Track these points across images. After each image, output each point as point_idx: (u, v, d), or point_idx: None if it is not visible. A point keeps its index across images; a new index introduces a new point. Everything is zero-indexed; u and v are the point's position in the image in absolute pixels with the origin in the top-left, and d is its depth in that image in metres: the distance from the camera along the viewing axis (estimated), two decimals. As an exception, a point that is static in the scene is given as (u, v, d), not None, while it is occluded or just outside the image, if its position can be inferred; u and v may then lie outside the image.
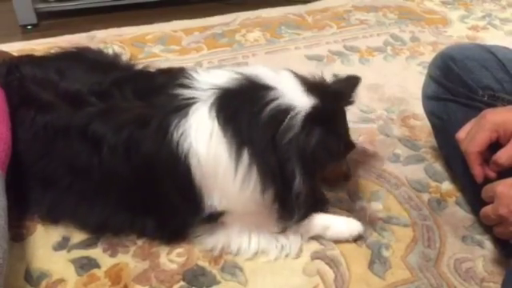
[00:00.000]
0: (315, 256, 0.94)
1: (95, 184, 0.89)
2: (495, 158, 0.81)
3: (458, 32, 1.83)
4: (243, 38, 1.74)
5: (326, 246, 0.96)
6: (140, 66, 1.08)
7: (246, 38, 1.73)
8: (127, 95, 0.89)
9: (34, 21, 1.77)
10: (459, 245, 0.97)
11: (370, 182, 1.12)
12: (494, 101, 0.96)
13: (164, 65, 1.48)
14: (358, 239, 0.97)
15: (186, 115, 0.82)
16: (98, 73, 0.96)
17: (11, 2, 1.71)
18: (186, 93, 0.85)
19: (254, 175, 0.81)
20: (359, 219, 0.99)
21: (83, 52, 1.11)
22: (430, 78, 1.11)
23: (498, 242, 0.94)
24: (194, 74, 0.88)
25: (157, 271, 0.90)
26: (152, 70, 1.05)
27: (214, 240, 0.93)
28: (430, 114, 1.13)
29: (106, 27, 1.75)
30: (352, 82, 0.97)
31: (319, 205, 0.97)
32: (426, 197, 1.08)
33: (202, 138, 0.81)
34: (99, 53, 1.15)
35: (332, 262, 0.93)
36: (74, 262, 0.92)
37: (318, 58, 1.61)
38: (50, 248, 0.94)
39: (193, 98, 0.84)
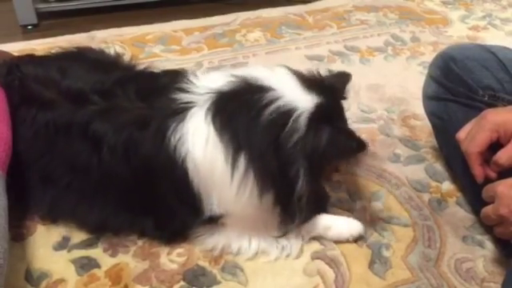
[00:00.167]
0: (316, 256, 0.94)
1: (95, 183, 0.89)
2: (495, 158, 0.81)
3: (459, 32, 1.83)
4: (244, 38, 1.74)
5: (326, 246, 0.96)
6: (141, 66, 1.08)
7: (247, 38, 1.73)
8: (130, 95, 0.89)
9: (35, 21, 1.77)
10: (460, 245, 0.97)
11: (371, 182, 1.12)
12: (495, 101, 0.96)
13: (164, 65, 1.49)
14: (358, 239, 0.97)
15: (183, 120, 0.82)
16: (99, 72, 0.96)
17: (11, 2, 1.71)
18: (184, 97, 0.84)
19: (251, 180, 0.80)
20: (360, 219, 0.99)
21: (84, 52, 1.11)
22: (431, 78, 1.11)
23: (499, 242, 0.94)
24: (192, 78, 0.88)
25: (157, 271, 0.90)
26: (154, 70, 1.05)
27: (215, 240, 0.93)
28: (431, 114, 1.13)
29: (106, 27, 1.75)
30: (343, 77, 0.97)
31: (321, 202, 0.96)
32: (426, 197, 1.08)
33: (199, 142, 0.81)
34: (100, 53, 1.15)
35: (332, 262, 0.93)
36: (74, 261, 0.92)
37: (318, 58, 1.60)
38: (50, 248, 0.94)
39: (190, 102, 0.84)
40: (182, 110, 0.83)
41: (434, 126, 1.14)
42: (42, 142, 0.90)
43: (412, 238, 0.98)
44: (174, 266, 0.91)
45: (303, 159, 0.80)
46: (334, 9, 1.98)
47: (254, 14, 1.91)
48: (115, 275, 0.89)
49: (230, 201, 0.84)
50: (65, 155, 0.89)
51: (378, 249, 0.96)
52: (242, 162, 0.79)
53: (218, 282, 0.89)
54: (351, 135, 0.87)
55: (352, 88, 1.33)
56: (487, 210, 0.81)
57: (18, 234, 0.95)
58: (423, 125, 1.28)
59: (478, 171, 0.85)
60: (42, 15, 1.79)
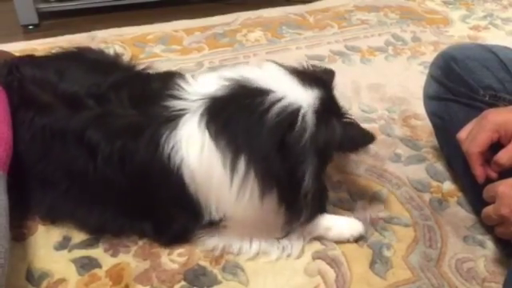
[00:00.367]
0: (316, 256, 0.94)
1: (92, 188, 0.89)
2: (496, 158, 0.81)
3: (460, 32, 1.83)
4: (244, 37, 1.74)
5: (327, 246, 0.96)
6: (141, 67, 1.08)
7: (247, 38, 1.73)
8: (123, 100, 0.88)
9: (36, 21, 1.77)
10: (461, 245, 0.97)
11: (372, 181, 1.12)
12: (496, 101, 0.96)
13: (165, 65, 1.49)
14: (359, 239, 0.97)
15: (175, 128, 0.82)
16: (97, 74, 0.96)
17: (12, 2, 1.71)
18: (176, 104, 0.84)
19: (252, 182, 0.80)
20: (360, 219, 0.99)
21: (84, 52, 1.11)
22: (432, 77, 1.11)
23: (500, 242, 0.94)
24: (183, 84, 0.87)
25: (158, 271, 0.90)
26: (150, 71, 1.05)
27: (215, 241, 0.93)
28: (432, 113, 1.12)
29: (106, 27, 1.75)
30: (329, 74, 0.97)
31: (323, 197, 0.96)
32: (427, 197, 1.08)
33: (194, 150, 0.81)
34: (100, 53, 1.15)
35: (333, 262, 0.93)
36: (75, 261, 0.92)
37: (319, 58, 1.60)
38: (51, 248, 0.94)
39: (182, 109, 0.83)
40: (174, 118, 0.82)
41: (435, 126, 1.14)
42: (40, 145, 0.90)
43: (413, 237, 0.98)
44: (175, 266, 0.91)
45: (314, 155, 0.80)
46: (334, 8, 1.98)
47: (255, 14, 1.91)
48: (116, 275, 0.89)
49: (230, 205, 0.83)
50: (62, 160, 0.89)
51: (378, 249, 0.96)
52: (241, 165, 0.78)
53: (219, 282, 0.89)
54: (359, 126, 0.88)
55: (352, 88, 1.34)
56: (488, 210, 0.81)
57: (19, 234, 0.95)
58: (424, 125, 1.27)
59: (478, 171, 0.85)
60: (42, 15, 1.79)
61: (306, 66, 0.93)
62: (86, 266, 0.91)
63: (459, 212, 1.05)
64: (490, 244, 0.97)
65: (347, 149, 0.87)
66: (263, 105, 0.79)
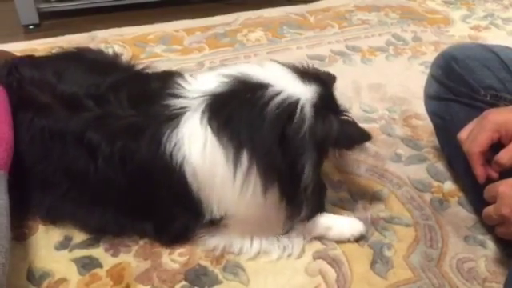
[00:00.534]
0: (317, 256, 0.94)
1: (93, 189, 0.89)
2: (497, 158, 0.81)
3: (460, 32, 1.83)
4: (245, 37, 1.74)
5: (327, 245, 0.96)
6: (140, 66, 1.08)
7: (248, 38, 1.73)
8: (122, 101, 0.88)
9: (36, 21, 1.77)
10: (461, 245, 0.97)
11: (372, 181, 1.12)
12: (497, 101, 0.96)
13: (165, 65, 1.49)
14: (359, 239, 0.97)
15: (177, 126, 0.82)
16: (96, 74, 0.96)
17: (13, 2, 1.72)
18: (177, 102, 0.84)
19: (255, 177, 0.80)
20: (361, 219, 0.99)
21: (83, 52, 1.11)
22: (432, 77, 1.11)
23: (501, 241, 0.94)
24: (183, 83, 0.87)
25: (159, 271, 0.90)
26: (151, 70, 1.05)
27: (216, 240, 0.93)
28: (432, 113, 1.12)
29: (107, 27, 1.75)
30: (330, 76, 0.98)
31: (322, 192, 0.96)
32: (428, 197, 1.08)
33: (196, 147, 0.81)
34: (99, 53, 1.15)
35: (334, 262, 0.93)
36: (76, 261, 0.92)
37: (319, 58, 1.60)
38: (52, 248, 0.94)
39: (183, 107, 0.83)
40: (175, 116, 0.83)
41: (436, 126, 1.14)
42: (39, 146, 0.90)
43: (414, 237, 0.98)
44: (176, 266, 0.91)
45: (312, 148, 0.80)
46: (335, 8, 1.98)
47: (256, 14, 1.91)
48: (117, 275, 0.89)
49: (233, 202, 0.83)
50: (61, 161, 0.89)
51: (379, 248, 0.96)
52: (244, 159, 0.79)
53: (220, 282, 0.89)
54: (356, 124, 0.89)
55: (353, 88, 1.34)
56: (489, 209, 0.81)
57: (20, 234, 0.95)
58: (425, 124, 1.27)
59: (479, 171, 0.85)
60: (43, 15, 1.79)
61: (307, 66, 0.93)
62: (87, 265, 0.91)
63: (460, 212, 1.05)
64: (490, 244, 0.97)
65: (343, 145, 0.87)
66: (263, 98, 0.80)
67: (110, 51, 1.29)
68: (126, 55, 1.36)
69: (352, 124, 0.89)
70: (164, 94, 0.86)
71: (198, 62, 1.56)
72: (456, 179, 1.12)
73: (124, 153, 0.84)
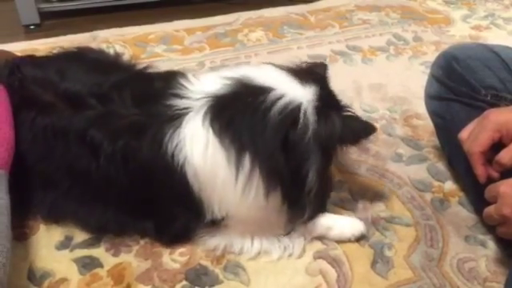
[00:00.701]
0: (318, 256, 0.94)
1: (94, 187, 0.89)
2: (498, 158, 0.81)
3: (461, 31, 1.83)
4: (245, 37, 1.74)
5: (328, 245, 0.96)
6: (141, 66, 1.08)
7: (249, 38, 1.73)
8: (126, 100, 0.88)
9: (37, 21, 1.77)
10: (462, 244, 0.97)
11: (373, 181, 1.12)
12: (497, 100, 0.95)
13: (166, 64, 1.49)
14: (360, 239, 0.97)
15: (179, 126, 0.82)
16: (98, 73, 0.96)
17: (14, 2, 1.72)
18: (179, 103, 0.84)
19: (257, 180, 0.80)
20: (362, 219, 0.99)
21: (84, 52, 1.11)
22: (433, 77, 1.11)
23: (501, 241, 0.94)
24: (186, 83, 0.87)
25: (159, 270, 0.90)
26: (152, 70, 1.05)
27: (217, 240, 0.93)
28: (433, 113, 1.12)
29: (108, 27, 1.75)
30: (321, 67, 0.98)
31: (327, 193, 0.96)
32: (428, 196, 1.08)
33: (197, 148, 0.81)
34: (100, 53, 1.15)
35: (334, 262, 0.93)
36: (76, 261, 0.92)
37: (320, 58, 1.60)
38: (52, 247, 0.94)
39: (185, 108, 0.83)
40: (177, 116, 0.83)
41: (437, 126, 1.14)
42: (41, 145, 0.90)
43: (414, 237, 0.98)
44: (177, 266, 0.91)
45: (317, 151, 0.81)
46: (335, 8, 1.98)
47: (256, 14, 1.91)
48: (118, 274, 0.90)
49: (234, 203, 0.83)
50: (63, 159, 0.89)
51: (380, 248, 0.96)
52: (246, 162, 0.79)
53: (220, 282, 0.89)
54: (359, 118, 0.90)
55: (354, 88, 1.34)
56: (490, 209, 0.80)
57: (21, 234, 0.95)
58: (425, 124, 1.27)
59: (480, 171, 0.85)
60: (44, 15, 1.80)
61: (299, 63, 0.94)
62: (88, 265, 0.91)
63: (461, 212, 1.05)
64: (491, 244, 0.97)
65: (349, 141, 0.87)
66: (265, 103, 0.80)
67: (111, 51, 1.29)
68: (126, 55, 1.36)
69: (354, 118, 0.89)
70: (167, 94, 0.86)
71: (198, 62, 1.56)
72: (457, 179, 1.12)
73: (126, 152, 0.84)
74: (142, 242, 0.95)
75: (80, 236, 0.96)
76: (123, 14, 1.89)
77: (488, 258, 0.94)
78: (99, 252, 0.93)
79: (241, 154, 0.79)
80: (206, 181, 0.82)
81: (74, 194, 0.91)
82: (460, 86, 1.03)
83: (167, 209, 0.89)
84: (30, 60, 1.08)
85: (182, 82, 0.88)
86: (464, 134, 0.88)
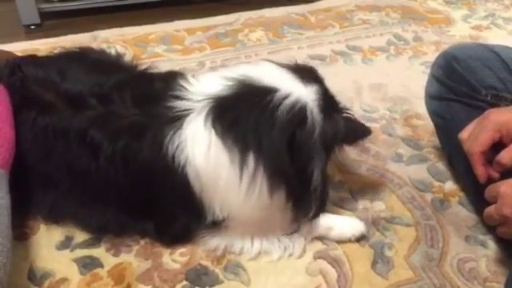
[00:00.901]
0: (318, 256, 0.94)
1: (94, 188, 0.89)
2: (498, 158, 0.81)
3: (461, 31, 1.83)
4: (246, 37, 1.74)
5: (328, 245, 0.96)
6: (142, 67, 1.08)
7: (249, 38, 1.74)
8: (126, 100, 0.88)
9: (38, 21, 1.77)
10: (462, 245, 0.97)
11: (373, 181, 1.12)
12: (498, 100, 0.95)
13: (167, 65, 1.49)
14: (360, 239, 0.97)
15: (180, 127, 0.82)
16: (99, 73, 0.96)
17: (15, 2, 1.72)
18: (180, 104, 0.84)
19: (261, 179, 0.80)
20: (362, 219, 0.99)
21: (85, 52, 1.11)
22: (433, 77, 1.11)
23: (501, 241, 0.94)
24: (186, 85, 0.87)
25: (160, 270, 0.90)
26: (153, 70, 1.05)
27: (217, 240, 0.93)
28: (433, 113, 1.12)
29: (108, 27, 1.75)
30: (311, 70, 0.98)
31: (326, 189, 0.96)
32: (428, 196, 1.08)
33: (199, 149, 0.80)
34: (102, 53, 1.15)
35: (335, 262, 0.93)
36: (77, 261, 0.92)
37: (320, 58, 1.60)
38: (53, 247, 0.94)
39: (186, 109, 0.83)
40: (178, 118, 0.83)
41: (437, 126, 1.14)
42: (42, 145, 0.90)
43: (414, 237, 0.98)
44: (177, 266, 0.91)
45: (322, 150, 0.81)
46: (336, 8, 1.99)
47: (257, 14, 1.91)
48: (118, 274, 0.90)
49: (238, 204, 0.83)
50: (64, 159, 0.89)
51: (380, 248, 0.96)
52: (250, 162, 0.79)
53: (221, 282, 0.89)
54: (356, 120, 0.92)
55: (354, 88, 1.34)
56: (490, 209, 0.80)
57: (21, 234, 0.96)
58: (426, 124, 1.27)
59: (480, 171, 0.85)
60: (44, 15, 1.80)
61: (296, 62, 0.94)
62: (88, 265, 0.91)
63: (461, 212, 1.05)
64: (491, 244, 0.97)
65: (348, 142, 0.89)
66: (272, 102, 0.80)
67: (112, 51, 1.29)
68: (127, 55, 1.36)
69: (353, 120, 0.91)
70: (167, 95, 0.86)
71: (198, 62, 1.57)
72: (457, 179, 1.12)
73: (126, 152, 0.84)
74: (142, 242, 0.95)
75: (80, 236, 0.96)
76: (124, 14, 1.89)
77: (488, 258, 0.94)
78: (99, 252, 0.94)
79: (245, 154, 0.79)
80: (208, 182, 0.82)
81: (74, 194, 0.91)
82: (460, 85, 1.03)
83: (167, 210, 0.89)
84: (32, 60, 1.08)
85: (182, 83, 0.88)
86: (464, 134, 0.88)
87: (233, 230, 0.92)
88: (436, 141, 1.19)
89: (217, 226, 0.89)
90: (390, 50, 1.68)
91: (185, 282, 0.89)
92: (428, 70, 1.16)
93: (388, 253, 0.95)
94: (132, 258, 0.93)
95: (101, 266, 0.91)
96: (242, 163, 0.79)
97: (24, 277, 0.88)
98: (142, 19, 1.82)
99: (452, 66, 1.05)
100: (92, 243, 0.95)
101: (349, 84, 1.45)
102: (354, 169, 1.15)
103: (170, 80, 0.90)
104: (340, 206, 1.05)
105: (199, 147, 0.81)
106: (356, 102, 1.38)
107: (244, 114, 0.80)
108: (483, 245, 0.97)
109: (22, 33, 1.75)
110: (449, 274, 0.91)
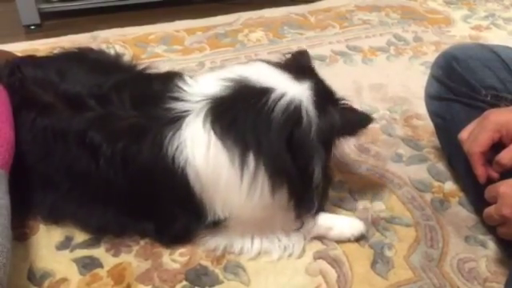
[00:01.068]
0: (318, 256, 0.94)
1: (94, 189, 0.89)
2: (498, 158, 0.81)
3: (461, 32, 1.82)
4: (246, 37, 1.74)
5: (328, 245, 0.96)
6: (142, 67, 1.08)
7: (249, 38, 1.74)
8: (125, 101, 0.88)
9: (38, 21, 1.77)
10: (462, 245, 0.97)
11: (373, 181, 1.12)
12: (497, 101, 0.95)
13: (167, 65, 1.49)
14: (360, 239, 0.97)
15: (179, 129, 0.82)
16: (98, 74, 0.96)
17: (14, 2, 1.72)
18: (178, 106, 0.84)
19: (262, 179, 0.80)
20: (362, 219, 0.99)
21: (85, 52, 1.11)
22: (433, 77, 1.11)
23: (501, 242, 0.94)
24: (184, 86, 0.87)
25: (159, 271, 0.90)
26: (151, 71, 1.05)
27: (217, 240, 0.93)
28: (433, 113, 1.12)
29: (108, 27, 1.75)
30: (305, 56, 0.98)
31: (329, 184, 0.96)
32: (428, 197, 1.08)
33: (199, 150, 0.81)
34: (101, 53, 1.15)
35: (335, 262, 0.93)
36: (76, 261, 0.92)
37: (320, 58, 1.60)
38: (53, 248, 0.94)
39: (185, 110, 0.83)
40: (176, 119, 0.83)
41: (437, 126, 1.14)
42: (41, 146, 0.90)
43: (414, 237, 0.98)
44: (177, 266, 0.91)
45: (320, 146, 0.81)
46: (336, 9, 1.98)
47: (257, 14, 1.91)
48: (118, 275, 0.90)
49: (239, 203, 0.83)
50: (63, 160, 0.89)
51: (380, 249, 0.96)
52: (251, 162, 0.79)
53: (221, 282, 0.89)
54: (355, 109, 0.91)
55: (354, 88, 1.34)
56: (490, 210, 0.80)
57: (21, 234, 0.96)
58: (425, 125, 1.27)
59: (480, 171, 0.85)
60: (44, 15, 1.80)
61: (287, 59, 0.94)
62: (88, 265, 0.91)
63: (461, 212, 1.05)
64: (491, 244, 0.97)
65: (347, 133, 0.89)
66: (268, 103, 0.80)
67: (112, 51, 1.29)
68: (127, 55, 1.36)
69: (351, 110, 0.90)
70: (165, 96, 0.86)
71: (198, 62, 1.57)
72: (457, 179, 1.12)
73: (125, 154, 0.84)
74: (142, 242, 0.95)
75: (80, 236, 0.96)
76: (124, 15, 1.89)
77: (488, 258, 0.94)
78: (99, 252, 0.94)
79: (245, 153, 0.79)
80: (208, 182, 0.82)
81: (74, 194, 0.91)
82: (460, 86, 1.03)
83: (167, 210, 0.89)
84: (31, 60, 1.08)
85: (180, 84, 0.88)
86: (464, 135, 0.88)
87: (233, 230, 0.92)
88: (436, 141, 1.19)
89: (217, 225, 0.89)
90: (390, 51, 1.68)
91: (184, 282, 0.89)
92: (428, 71, 1.16)
93: (388, 253, 0.95)
94: (132, 258, 0.93)
95: (100, 266, 0.91)
96: (243, 163, 0.79)
97: (24, 277, 0.88)
98: (143, 19, 1.81)
99: (452, 66, 1.05)
100: (92, 243, 0.95)
101: (349, 84, 1.45)
102: (354, 169, 1.15)
103: (169, 81, 0.90)
104: (340, 206, 1.05)
105: (199, 148, 0.81)
106: (356, 102, 1.37)
107: (241, 115, 0.80)
108: (483, 245, 0.97)
109: (21, 33, 1.75)
110: (449, 274, 0.91)
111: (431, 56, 1.53)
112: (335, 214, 1.00)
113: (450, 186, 1.11)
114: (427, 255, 0.95)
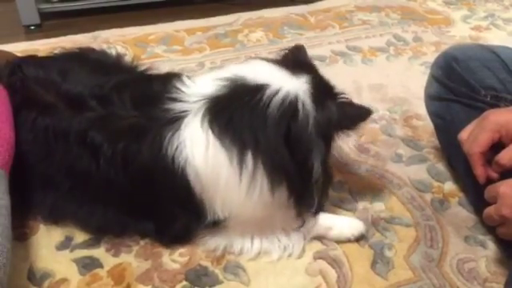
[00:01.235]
0: (318, 256, 0.94)
1: (94, 189, 0.89)
2: (497, 158, 0.81)
3: (461, 32, 1.83)
4: (246, 38, 1.74)
5: (328, 245, 0.96)
6: (142, 67, 1.09)
7: (249, 38, 1.74)
8: (125, 102, 0.88)
9: (38, 21, 1.78)
10: (462, 245, 0.97)
11: (373, 182, 1.12)
12: (497, 101, 0.96)
13: (167, 65, 1.50)
14: (360, 239, 0.97)
15: (178, 129, 0.82)
16: (100, 74, 0.96)
17: (14, 3, 1.72)
18: (177, 106, 0.84)
19: (261, 177, 0.80)
20: (362, 219, 0.99)
21: (86, 53, 1.12)
22: (433, 78, 1.11)
23: (501, 242, 0.94)
24: (182, 87, 0.87)
25: (159, 271, 0.90)
26: (152, 71, 1.06)
27: (217, 240, 0.93)
28: (433, 114, 1.12)
29: (109, 27, 1.75)
30: (302, 51, 0.97)
31: (330, 180, 0.95)
32: (428, 197, 1.08)
33: (198, 150, 0.81)
34: (102, 53, 1.15)
35: (334, 262, 0.93)
36: (76, 261, 0.92)
37: (320, 59, 1.60)
38: (53, 248, 0.94)
39: (183, 111, 0.83)
40: (176, 120, 0.83)
41: (436, 126, 1.14)
42: (42, 145, 0.90)
43: (414, 238, 0.98)
44: (177, 266, 0.91)
45: (319, 139, 0.81)
46: (335, 9, 1.99)
47: (256, 15, 1.91)
48: (118, 275, 0.90)
49: (239, 202, 0.83)
50: (64, 160, 0.89)
51: (380, 249, 0.96)
52: (249, 160, 0.79)
53: (220, 282, 0.89)
54: (353, 103, 0.91)
55: (354, 88, 1.34)
56: (489, 210, 0.80)
57: (21, 234, 0.96)
58: (425, 125, 1.27)
59: (480, 172, 0.85)
60: (44, 15, 1.80)
61: (284, 55, 0.94)
62: (88, 265, 0.91)
63: (460, 212, 1.05)
64: (491, 244, 0.97)
65: (346, 126, 0.88)
66: (263, 99, 0.80)
67: (113, 51, 1.29)
68: (127, 55, 1.36)
69: (349, 104, 0.90)
70: (164, 97, 0.86)
71: (198, 63, 1.57)
72: (456, 179, 1.12)
73: (126, 154, 0.84)
74: (142, 242, 0.95)
75: (80, 236, 0.96)
76: (124, 15, 1.89)
77: (488, 258, 0.94)
78: (99, 252, 0.94)
79: (243, 152, 0.79)
80: (208, 182, 0.82)
81: (74, 194, 0.91)
82: (460, 86, 1.03)
83: (167, 210, 0.89)
84: (32, 60, 1.08)
85: (178, 85, 0.88)
86: (464, 135, 0.88)
87: (233, 230, 0.92)
88: (436, 141, 1.19)
89: (217, 225, 0.90)
90: (389, 51, 1.68)
91: (184, 283, 0.89)
92: (428, 71, 1.16)
93: (388, 253, 0.95)
94: (132, 258, 0.93)
95: (100, 266, 0.91)
96: (241, 162, 0.79)
97: (24, 277, 0.88)
98: (143, 20, 1.82)
99: (451, 67, 1.05)
100: (92, 243, 0.95)
101: (349, 84, 1.45)
102: (354, 169, 1.15)
103: (168, 82, 0.90)
104: (340, 206, 1.05)
105: (198, 148, 0.81)
106: (356, 102, 1.38)
107: (237, 113, 0.81)
108: (483, 245, 0.97)
109: (21, 33, 1.75)
110: (448, 274, 0.91)
111: (431, 56, 1.53)
112: (335, 214, 1.01)
113: (449, 186, 1.11)
114: (427, 255, 0.95)
